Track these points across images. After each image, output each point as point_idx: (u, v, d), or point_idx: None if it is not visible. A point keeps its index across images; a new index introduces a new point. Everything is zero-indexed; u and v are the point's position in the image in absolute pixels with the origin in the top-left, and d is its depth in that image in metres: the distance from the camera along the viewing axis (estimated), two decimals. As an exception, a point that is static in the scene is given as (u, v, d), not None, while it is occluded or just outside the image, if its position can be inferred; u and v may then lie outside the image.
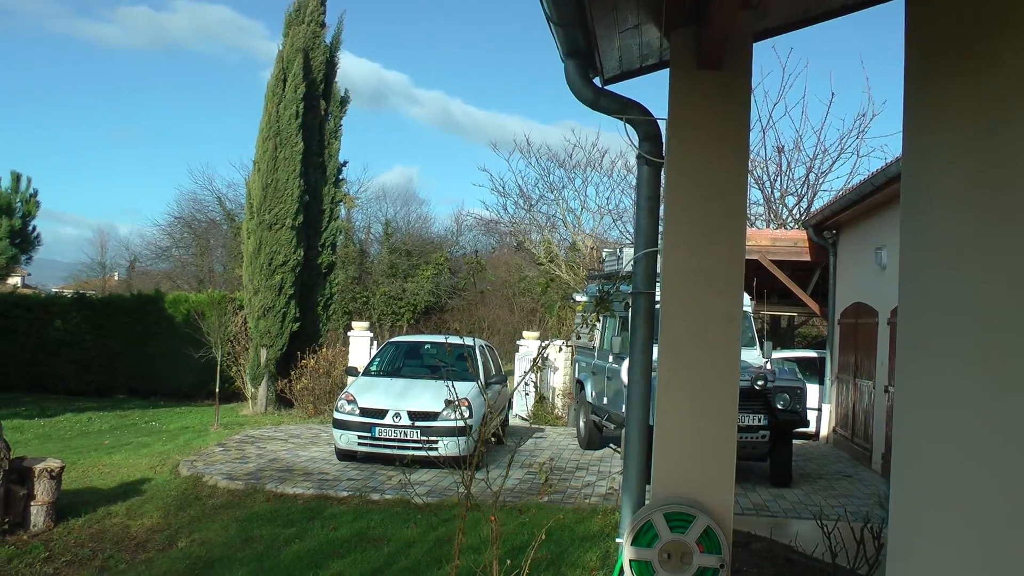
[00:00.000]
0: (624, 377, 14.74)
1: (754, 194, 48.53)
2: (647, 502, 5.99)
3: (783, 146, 26.98)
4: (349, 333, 23.57)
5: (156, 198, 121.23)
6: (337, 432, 14.54)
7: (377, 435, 14.21)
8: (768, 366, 14.44)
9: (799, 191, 27.36)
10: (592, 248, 29.96)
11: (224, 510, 11.69)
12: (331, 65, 23.80)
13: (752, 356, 14.83)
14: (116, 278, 50.76)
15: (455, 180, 77.18)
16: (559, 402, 22.77)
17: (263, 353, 22.04)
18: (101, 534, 10.55)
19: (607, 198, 39.80)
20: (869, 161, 37.54)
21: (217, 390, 19.73)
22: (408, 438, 14.14)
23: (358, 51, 76.98)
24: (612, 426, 15.80)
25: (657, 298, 6.14)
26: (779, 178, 27.21)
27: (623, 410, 15.45)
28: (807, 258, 19.29)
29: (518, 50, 66.97)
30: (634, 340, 6.08)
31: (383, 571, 9.24)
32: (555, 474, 14.68)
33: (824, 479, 14.96)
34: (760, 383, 13.42)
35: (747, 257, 17.63)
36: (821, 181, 27.38)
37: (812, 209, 27.59)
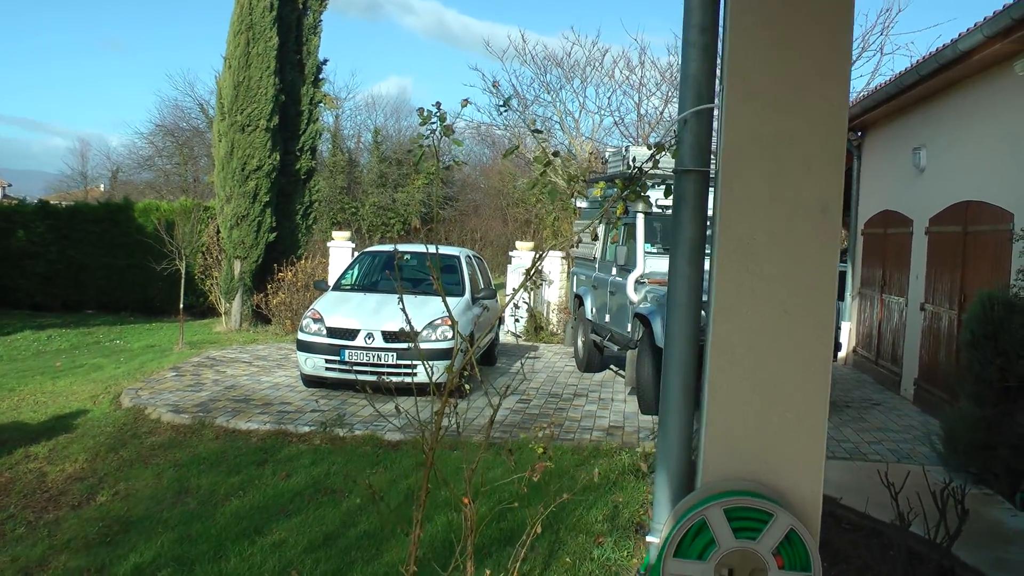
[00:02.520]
0: (631, 292, 12.62)
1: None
2: (697, 486, 3.85)
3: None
4: (329, 244, 21.34)
5: (145, 108, 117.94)
6: (302, 355, 12.37)
7: (347, 359, 12.04)
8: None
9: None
10: (591, 153, 27.65)
11: (162, 451, 9.62)
12: (311, -46, 21.29)
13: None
14: (102, 188, 48.38)
15: (450, 91, 74.32)
16: (554, 318, 20.72)
17: (237, 265, 19.91)
18: (10, 484, 8.52)
19: (608, 98, 37.03)
20: (893, 60, 34.93)
21: (181, 305, 17.56)
22: (383, 362, 12.00)
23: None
24: (615, 347, 13.70)
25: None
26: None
27: (627, 329, 13.54)
28: (830, 162, 17.00)
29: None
30: (677, 241, 3.90)
31: (336, 538, 7.16)
32: (550, 402, 12.63)
33: (851, 408, 12.90)
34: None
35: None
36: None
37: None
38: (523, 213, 38.56)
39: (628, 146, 14.63)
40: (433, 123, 3.92)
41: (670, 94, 26.60)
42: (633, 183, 3.84)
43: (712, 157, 3.92)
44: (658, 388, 11.91)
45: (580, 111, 29.40)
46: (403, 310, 4.40)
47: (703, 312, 3.96)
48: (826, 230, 3.77)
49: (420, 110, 3.91)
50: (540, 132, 4.25)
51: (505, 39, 57.32)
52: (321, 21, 21.49)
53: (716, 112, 3.85)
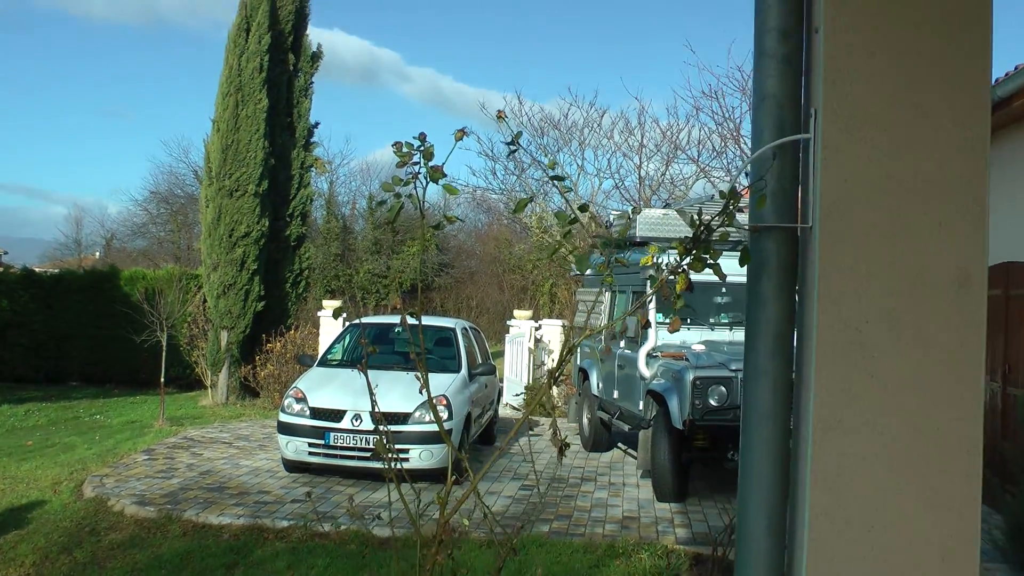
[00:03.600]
0: (643, 367, 11.45)
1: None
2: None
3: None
4: (320, 313, 20.15)
5: (140, 175, 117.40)
6: (283, 438, 11.11)
7: (332, 443, 10.80)
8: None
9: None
10: (591, 218, 26.61)
11: (121, 552, 8.38)
12: (301, 15, 20.35)
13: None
14: (97, 256, 47.32)
15: (443, 158, 73.76)
16: (555, 390, 19.49)
17: (224, 336, 18.71)
18: (-62, 594, 7.30)
19: (608, 160, 36.16)
20: None
21: (163, 379, 16.33)
22: (372, 446, 10.76)
23: (350, 28, 73.50)
24: (625, 426, 12.49)
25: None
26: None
27: (639, 406, 12.37)
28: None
29: (509, 29, 63.67)
30: (755, 327, 2.76)
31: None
32: (556, 487, 11.40)
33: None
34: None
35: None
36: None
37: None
38: (519, 280, 37.52)
39: (636, 209, 13.54)
40: (415, 162, 2.79)
41: (671, 155, 25.67)
42: (699, 246, 2.69)
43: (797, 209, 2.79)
44: (676, 473, 10.71)
45: (579, 174, 28.36)
46: (372, 396, 3.31)
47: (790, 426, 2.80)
48: (967, 309, 2.63)
49: (397, 144, 2.78)
50: (562, 179, 3.12)
51: (500, 103, 56.89)
52: (312, 83, 20.55)
53: (808, 146, 2.72)
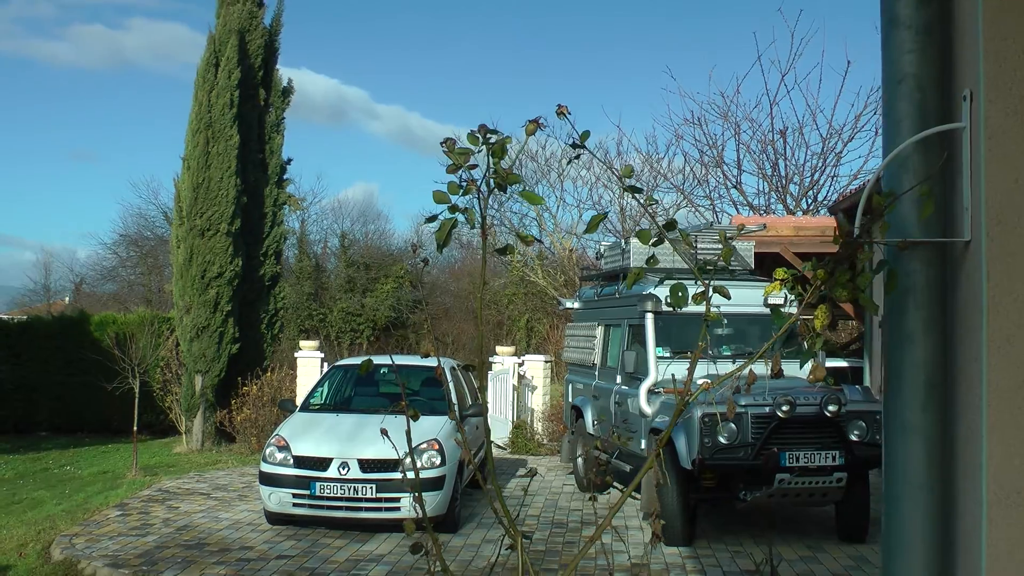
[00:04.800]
0: (644, 404, 10.82)
1: (750, 180, 44.61)
2: None
3: (786, 128, 23.03)
4: (296, 354, 19.39)
5: (109, 218, 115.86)
6: (265, 489, 10.35)
7: (318, 493, 10.05)
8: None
9: (811, 174, 23.52)
10: (571, 251, 26.06)
11: (91, 621, 7.64)
12: (271, 50, 19.78)
13: (795, 370, 10.79)
14: (66, 301, 46.24)
15: (415, 196, 73.29)
16: (540, 427, 18.83)
17: (198, 380, 17.94)
18: None
19: (588, 192, 35.85)
20: None
21: (135, 428, 15.50)
22: (360, 495, 10.04)
23: (318, 67, 72.85)
24: (627, 467, 11.84)
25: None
26: (779, 162, 23.33)
27: (641, 446, 11.73)
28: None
29: (477, 63, 63.21)
30: (897, 368, 2.14)
31: None
32: (556, 533, 10.72)
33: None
34: (833, 408, 9.53)
35: (766, 250, 13.67)
36: (834, 163, 23.59)
37: (822, 195, 23.91)
38: (495, 315, 36.96)
39: (629, 238, 12.95)
40: (472, 165, 2.15)
41: (653, 184, 25.17)
42: (840, 274, 2.07)
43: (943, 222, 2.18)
44: (684, 515, 10.06)
45: (558, 205, 27.84)
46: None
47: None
48: None
49: (448, 141, 2.14)
50: (639, 190, 2.51)
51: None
52: (284, 119, 19.95)
53: (963, 138, 2.11)
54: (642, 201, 2.67)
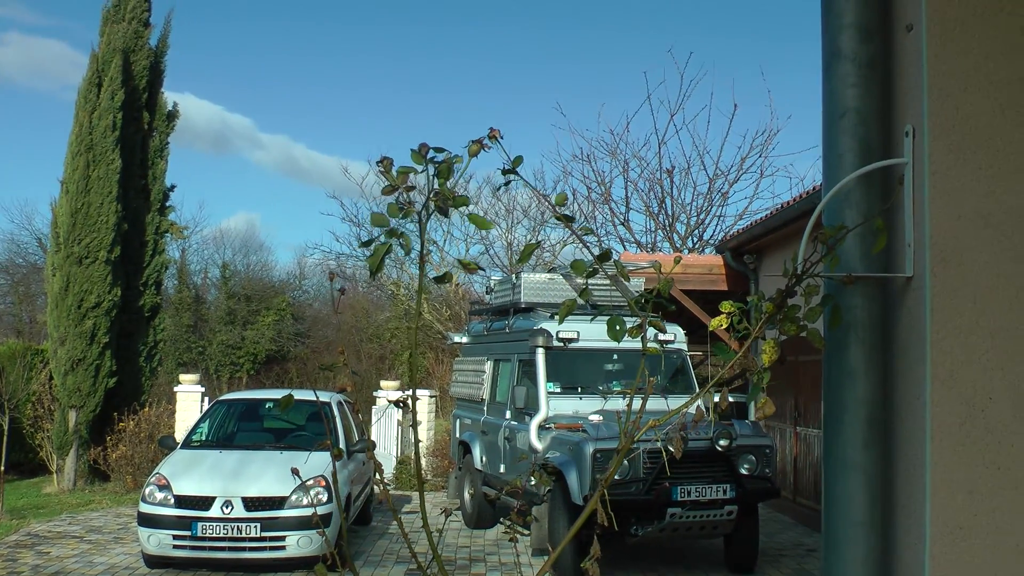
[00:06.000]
0: (534, 440, 10.76)
1: (638, 218, 45.19)
2: None
3: (673, 167, 23.40)
4: (176, 388, 18.80)
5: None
6: (144, 531, 9.90)
7: (200, 533, 9.69)
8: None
9: (697, 215, 23.92)
10: (457, 285, 25.96)
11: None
12: (156, 71, 19.28)
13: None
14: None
15: (297, 227, 72.11)
16: (424, 463, 18.62)
17: (72, 415, 17.16)
18: None
19: (475, 228, 35.85)
20: (774, 181, 34.48)
21: (2, 467, 14.77)
22: (244, 535, 9.72)
23: (201, 93, 71.40)
24: (516, 502, 11.72)
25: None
26: (666, 200, 23.68)
27: (532, 483, 11.62)
28: (723, 287, 15.71)
29: (364, 95, 62.93)
30: (837, 405, 2.11)
31: None
32: (445, 569, 10.52)
33: (787, 557, 11.24)
34: (724, 442, 9.65)
35: (654, 286, 13.96)
36: (720, 203, 24.06)
37: (708, 234, 24.34)
38: (377, 349, 36.63)
39: (519, 273, 12.93)
40: (409, 187, 2.04)
41: (541, 219, 25.31)
42: (786, 308, 2.03)
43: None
44: (575, 551, 10.05)
45: (445, 239, 27.77)
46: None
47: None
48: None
49: (385, 161, 2.04)
50: (572, 219, 2.44)
51: (362, 169, 56.03)
52: (168, 144, 19.41)
53: (905, 175, 2.10)
54: (577, 231, 2.60)
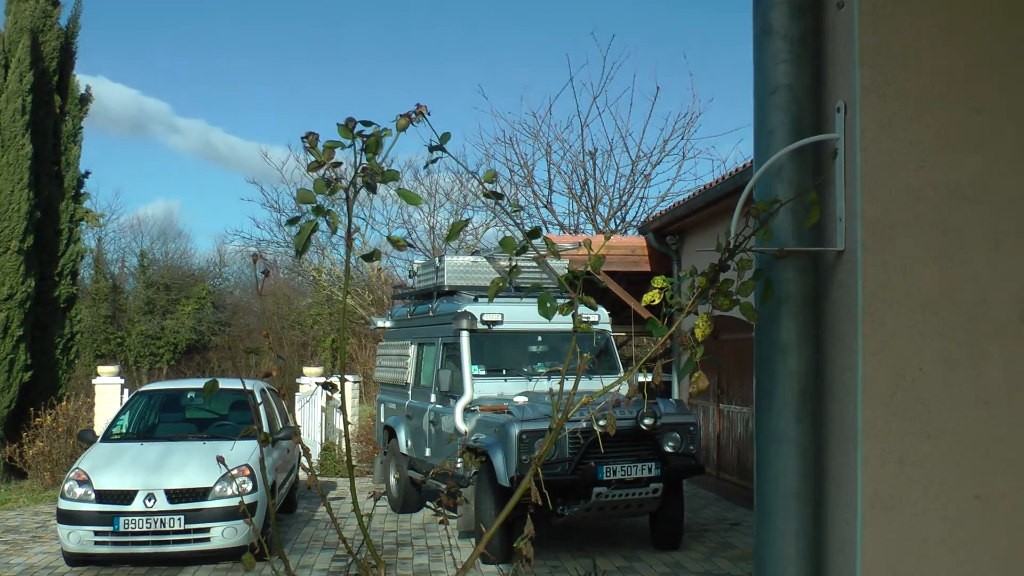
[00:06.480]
0: (460, 423, 10.75)
1: (561, 200, 45.33)
2: None
3: (596, 149, 23.46)
4: (95, 380, 18.38)
5: None
6: (64, 528, 9.61)
7: (123, 528, 9.46)
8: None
9: (619, 196, 24.04)
10: (379, 269, 25.78)
11: None
12: (67, 53, 18.71)
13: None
14: None
15: (217, 214, 70.77)
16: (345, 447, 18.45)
17: (-16, 411, 16.74)
18: None
19: (398, 211, 35.83)
20: (696, 163, 34.86)
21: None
22: (168, 528, 9.54)
23: (115, 76, 69.57)
24: (443, 485, 11.71)
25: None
26: (588, 182, 23.77)
27: (459, 465, 11.61)
28: (646, 268, 15.79)
29: (281, 77, 61.99)
30: (769, 379, 2.12)
31: None
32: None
33: (711, 532, 11.41)
34: (648, 421, 9.73)
35: (580, 268, 14.05)
36: (643, 185, 24.21)
37: (630, 216, 24.48)
38: (299, 335, 36.28)
39: (442, 256, 12.88)
40: (336, 163, 1.99)
41: (463, 202, 25.24)
42: (719, 282, 2.03)
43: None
44: (503, 532, 10.06)
45: (367, 224, 27.54)
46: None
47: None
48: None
49: (311, 136, 1.99)
50: (501, 196, 2.42)
51: (281, 154, 55.21)
52: (82, 128, 18.90)
53: (836, 149, 2.12)
54: (507, 207, 2.58)
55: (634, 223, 23.65)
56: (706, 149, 57.88)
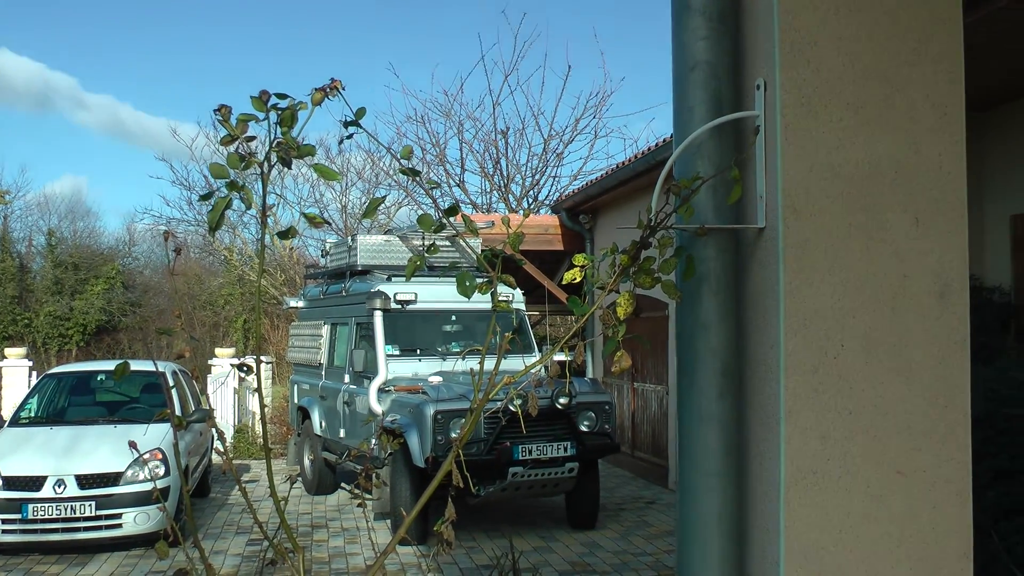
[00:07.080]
0: (374, 403, 10.65)
1: (473, 179, 45.17)
2: None
3: (508, 128, 23.39)
4: (1, 363, 17.83)
5: None
6: (-31, 518, 9.37)
7: (31, 516, 9.18)
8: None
9: (532, 175, 24.01)
10: (292, 249, 25.40)
11: None
12: (-37, 34, 18.09)
13: (519, 364, 10.96)
14: None
15: (126, 192, 68.85)
16: (260, 429, 18.22)
17: None
18: None
19: (310, 190, 35.25)
20: (608, 142, 34.84)
21: None
22: (78, 515, 9.28)
23: (19, 48, 67.11)
24: (357, 467, 11.60)
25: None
26: (501, 161, 23.69)
27: (374, 445, 11.45)
28: (559, 247, 15.83)
29: (190, 51, 60.48)
30: (691, 357, 2.11)
31: None
32: (285, 537, 10.34)
33: (627, 510, 11.49)
34: (563, 400, 9.73)
35: (493, 246, 14.10)
36: (555, 164, 24.21)
37: (543, 195, 24.52)
38: (211, 316, 35.70)
39: (355, 235, 12.72)
40: (249, 138, 1.91)
41: (375, 181, 24.96)
42: (641, 260, 2.00)
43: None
44: (422, 513, 10.02)
45: (279, 203, 27.13)
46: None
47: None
48: (949, 325, 2.08)
49: (223, 109, 1.91)
50: (418, 173, 2.37)
51: (192, 131, 54.00)
52: (-19, 109, 18.29)
53: (758, 126, 2.10)
54: (424, 184, 2.52)
55: (547, 202, 23.70)
56: (618, 128, 58.17)
